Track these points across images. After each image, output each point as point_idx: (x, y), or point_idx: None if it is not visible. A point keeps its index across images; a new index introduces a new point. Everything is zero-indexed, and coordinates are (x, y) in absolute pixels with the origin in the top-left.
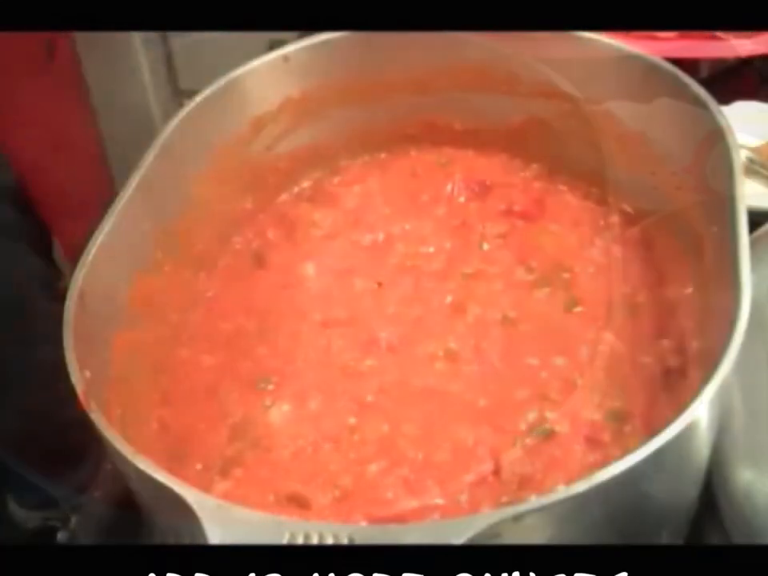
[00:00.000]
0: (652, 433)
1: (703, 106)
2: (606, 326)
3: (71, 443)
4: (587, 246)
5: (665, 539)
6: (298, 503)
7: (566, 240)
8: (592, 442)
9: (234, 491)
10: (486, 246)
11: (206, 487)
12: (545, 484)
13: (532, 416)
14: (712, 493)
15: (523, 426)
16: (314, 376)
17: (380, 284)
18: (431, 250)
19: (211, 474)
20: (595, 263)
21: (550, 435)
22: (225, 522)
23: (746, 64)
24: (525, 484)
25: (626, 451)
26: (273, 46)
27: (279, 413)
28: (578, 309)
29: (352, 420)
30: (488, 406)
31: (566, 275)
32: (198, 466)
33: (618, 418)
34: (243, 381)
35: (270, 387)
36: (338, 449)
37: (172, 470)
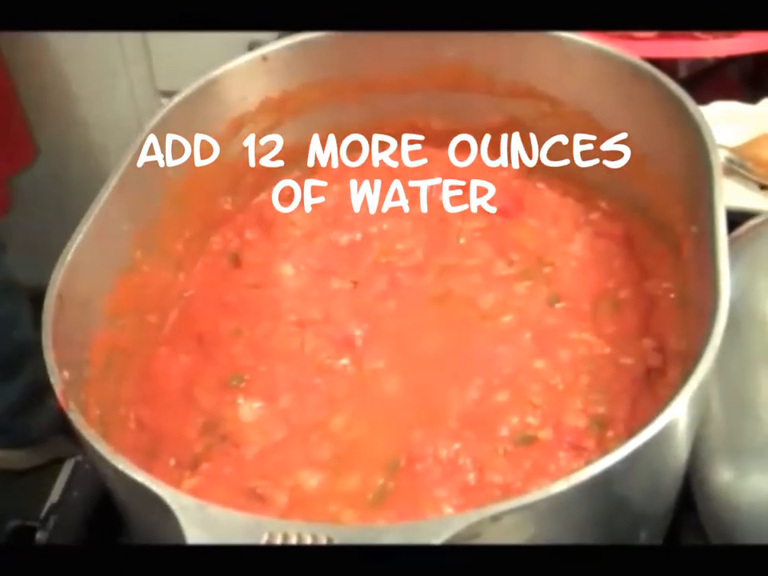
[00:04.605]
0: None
1: (682, 105)
2: (590, 321)
3: None
4: (568, 241)
5: (643, 539)
6: (261, 500)
7: (546, 234)
8: (576, 448)
9: (202, 487)
10: (462, 240)
11: (176, 483)
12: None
13: (514, 421)
14: (690, 493)
15: (505, 432)
16: (287, 374)
17: (355, 283)
18: (408, 245)
19: (182, 470)
20: (576, 258)
21: (532, 442)
22: (203, 521)
23: (724, 64)
24: (508, 492)
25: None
26: (252, 46)
27: (250, 410)
28: (561, 304)
29: (322, 418)
30: (468, 410)
31: (547, 269)
32: (172, 462)
33: (602, 423)
34: (217, 379)
35: (243, 385)
36: (307, 447)
37: (147, 467)
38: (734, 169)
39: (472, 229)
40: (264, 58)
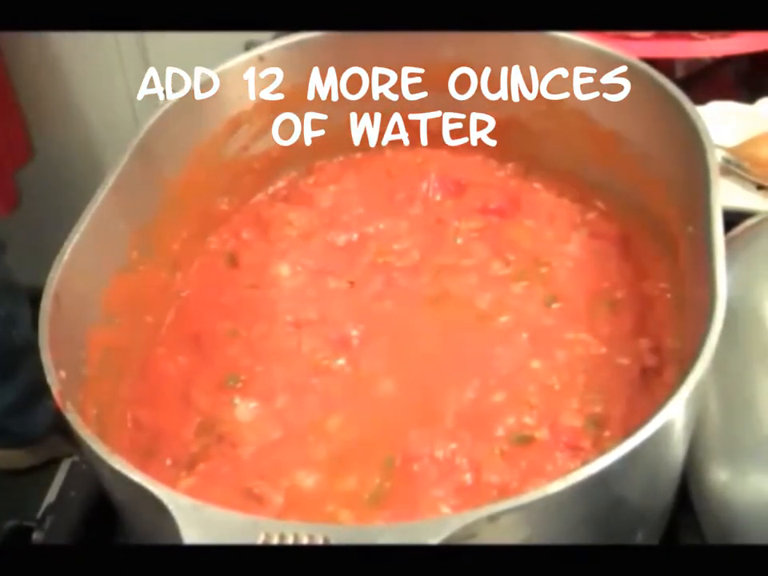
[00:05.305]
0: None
1: (679, 106)
2: (586, 322)
3: None
4: (564, 241)
5: (640, 539)
6: (257, 500)
7: (542, 234)
8: (572, 448)
9: (198, 487)
10: (459, 240)
11: (173, 483)
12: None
13: (510, 421)
14: (687, 493)
15: (501, 432)
16: (283, 374)
17: (352, 283)
18: (404, 246)
19: (179, 470)
20: (573, 258)
21: (529, 442)
22: (200, 521)
23: (721, 64)
24: (505, 492)
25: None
26: (249, 47)
27: (246, 410)
28: (557, 305)
29: (319, 418)
30: (464, 410)
31: (544, 270)
32: (168, 462)
33: (598, 423)
34: (213, 379)
35: (239, 385)
36: (303, 447)
37: (144, 467)
38: (730, 169)
39: (468, 229)
40: (260, 57)
